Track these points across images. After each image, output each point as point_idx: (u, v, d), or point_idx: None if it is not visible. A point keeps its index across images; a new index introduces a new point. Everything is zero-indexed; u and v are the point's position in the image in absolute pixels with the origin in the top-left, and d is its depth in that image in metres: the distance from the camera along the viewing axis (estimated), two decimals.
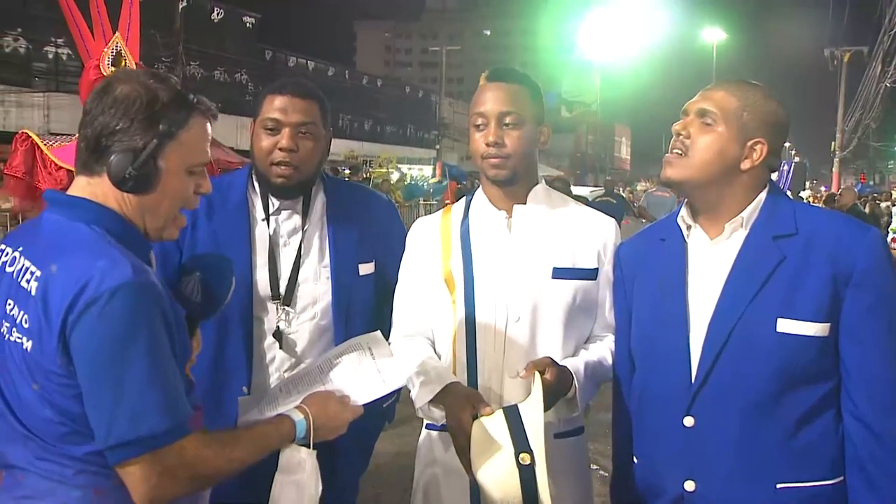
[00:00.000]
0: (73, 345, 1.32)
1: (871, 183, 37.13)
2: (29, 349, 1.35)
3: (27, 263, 1.40)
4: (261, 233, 2.15)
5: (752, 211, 1.68)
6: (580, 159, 41.42)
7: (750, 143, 1.66)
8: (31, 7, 18.99)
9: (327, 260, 2.16)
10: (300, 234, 2.15)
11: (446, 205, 2.35)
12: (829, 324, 1.57)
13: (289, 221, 2.16)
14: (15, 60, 19.28)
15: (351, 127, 32.73)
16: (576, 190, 14.62)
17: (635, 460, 1.82)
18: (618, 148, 72.67)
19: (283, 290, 2.11)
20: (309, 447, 1.61)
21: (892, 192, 26.67)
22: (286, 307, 2.11)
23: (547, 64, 58.00)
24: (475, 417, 1.69)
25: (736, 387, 1.60)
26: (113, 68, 3.71)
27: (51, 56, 21.11)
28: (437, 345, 2.02)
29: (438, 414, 1.84)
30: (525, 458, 1.57)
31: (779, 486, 1.58)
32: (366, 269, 2.20)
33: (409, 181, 22.39)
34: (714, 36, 46.84)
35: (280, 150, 2.06)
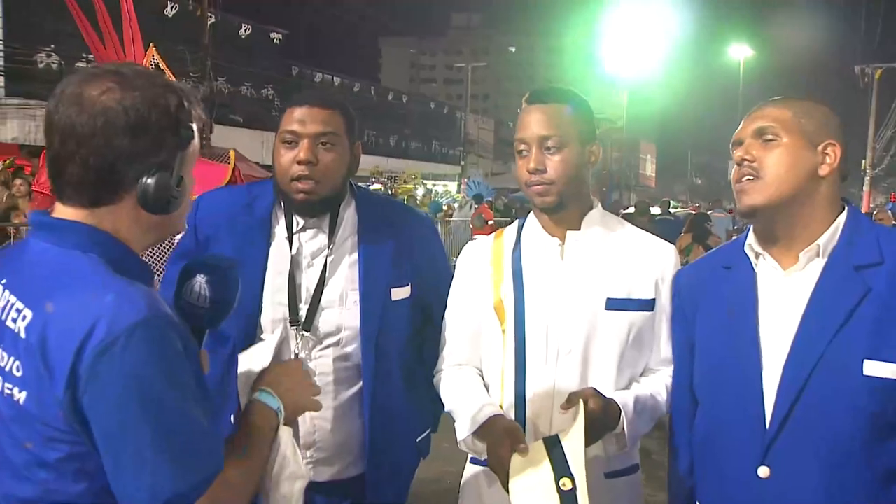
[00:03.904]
0: (88, 401, 1.10)
1: None
2: (22, 401, 1.13)
3: (12, 299, 1.18)
4: (281, 252, 2.00)
5: (829, 237, 1.54)
6: (606, 176, 41.20)
7: (821, 147, 1.55)
8: (65, 24, 19.29)
9: (356, 283, 2.00)
10: (325, 254, 2.01)
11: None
12: None
13: (313, 241, 2.01)
14: (48, 76, 19.55)
15: (376, 142, 32.81)
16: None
17: None
18: (643, 165, 72.39)
19: (303, 314, 1.97)
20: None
21: None
22: (304, 333, 1.96)
23: (573, 80, 57.94)
24: (515, 451, 1.62)
25: (817, 436, 1.46)
26: None
27: None
28: (486, 375, 1.94)
29: (482, 447, 1.77)
30: (566, 484, 1.51)
31: None
32: (400, 293, 2.03)
33: (434, 197, 22.40)
34: (741, 52, 46.56)
35: (298, 162, 1.91)
